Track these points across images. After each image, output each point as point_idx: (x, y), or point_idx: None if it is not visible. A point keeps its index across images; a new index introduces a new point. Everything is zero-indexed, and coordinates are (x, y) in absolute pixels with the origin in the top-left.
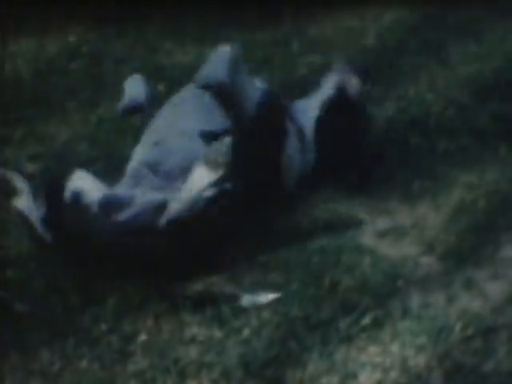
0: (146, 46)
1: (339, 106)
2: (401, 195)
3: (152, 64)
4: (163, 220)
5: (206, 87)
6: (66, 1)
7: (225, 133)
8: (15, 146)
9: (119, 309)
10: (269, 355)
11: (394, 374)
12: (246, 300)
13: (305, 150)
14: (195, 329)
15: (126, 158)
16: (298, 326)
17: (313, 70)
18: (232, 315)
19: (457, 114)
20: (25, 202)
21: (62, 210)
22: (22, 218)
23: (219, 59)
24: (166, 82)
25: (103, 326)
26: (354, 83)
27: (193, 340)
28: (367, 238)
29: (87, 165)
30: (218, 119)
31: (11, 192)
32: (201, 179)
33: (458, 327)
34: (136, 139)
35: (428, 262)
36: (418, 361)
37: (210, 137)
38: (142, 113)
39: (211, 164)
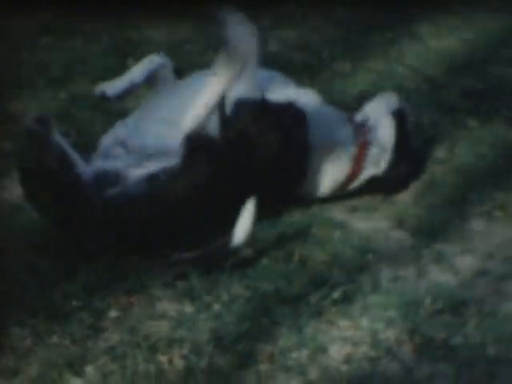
0: (116, 21)
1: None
2: None
3: (123, 39)
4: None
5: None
6: None
7: None
8: None
9: (90, 285)
10: (240, 330)
11: (364, 348)
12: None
13: None
14: (166, 304)
15: (96, 134)
16: (269, 301)
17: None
18: (203, 290)
19: (428, 89)
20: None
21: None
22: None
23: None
24: (137, 57)
25: (74, 303)
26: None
27: (164, 315)
28: (338, 213)
29: None
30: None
31: None
32: (214, 89)
33: (427, 301)
34: (107, 115)
35: (398, 237)
36: (388, 334)
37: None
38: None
39: (223, 71)
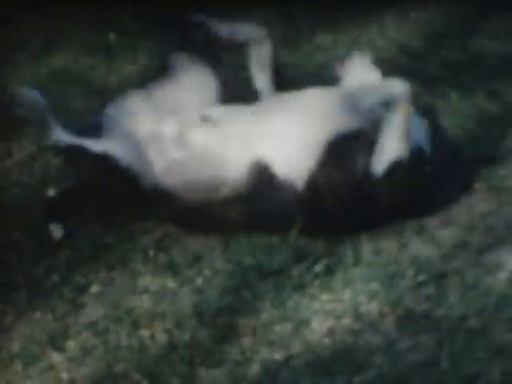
0: None
1: None
2: None
3: (107, 15)
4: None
5: None
6: None
7: None
8: None
9: (71, 260)
10: (222, 304)
11: (346, 321)
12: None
13: None
14: (148, 279)
15: (75, 110)
16: (251, 275)
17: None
18: (185, 265)
19: (408, 61)
20: None
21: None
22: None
23: None
24: (118, 32)
25: (56, 278)
26: None
27: (146, 290)
28: None
29: None
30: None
31: None
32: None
33: (409, 274)
34: (86, 91)
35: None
36: (371, 307)
37: None
38: None
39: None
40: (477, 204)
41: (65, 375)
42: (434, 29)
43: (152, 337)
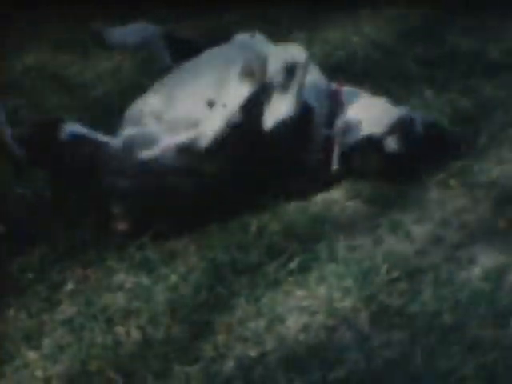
0: None
1: None
2: None
3: (82, 11)
4: (203, 142)
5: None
6: None
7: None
8: None
9: (46, 258)
10: (196, 301)
11: (320, 317)
12: None
13: None
14: (123, 276)
15: (51, 106)
16: (226, 271)
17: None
18: (160, 262)
19: (383, 58)
20: None
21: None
22: None
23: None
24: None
25: (30, 275)
26: None
27: (120, 287)
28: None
29: (12, 114)
30: (232, 91)
31: None
32: (237, 90)
33: (383, 270)
34: (61, 88)
35: (354, 206)
36: (345, 303)
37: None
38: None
39: (248, 74)
40: (451, 200)
41: (40, 373)
42: (409, 26)
43: (127, 334)
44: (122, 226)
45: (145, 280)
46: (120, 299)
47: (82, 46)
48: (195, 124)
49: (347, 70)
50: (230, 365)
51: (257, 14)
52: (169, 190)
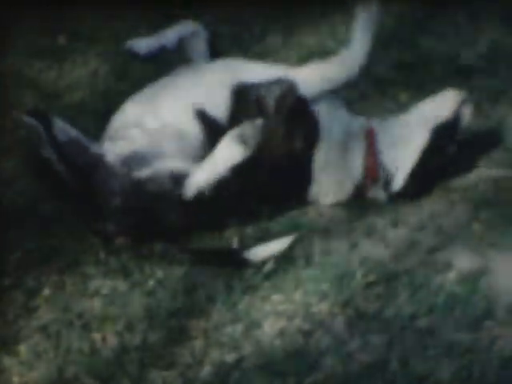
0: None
1: None
2: None
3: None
4: (187, 191)
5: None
6: None
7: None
8: None
9: (22, 264)
10: (173, 306)
11: (297, 322)
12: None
13: None
14: (99, 281)
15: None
16: (202, 277)
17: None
18: (136, 267)
19: None
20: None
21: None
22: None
23: None
24: (68, 36)
25: (6, 281)
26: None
27: (97, 293)
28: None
29: None
30: (217, 100)
31: None
32: (228, 155)
33: (359, 274)
34: (35, 94)
35: (330, 210)
36: (321, 308)
37: (204, 119)
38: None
39: (241, 141)
40: (426, 204)
41: (16, 379)
42: (383, 29)
43: (103, 340)
44: (118, 240)
45: (121, 285)
46: (96, 305)
47: (56, 52)
48: (180, 134)
49: None
50: (206, 370)
51: (230, 16)
52: (157, 211)
